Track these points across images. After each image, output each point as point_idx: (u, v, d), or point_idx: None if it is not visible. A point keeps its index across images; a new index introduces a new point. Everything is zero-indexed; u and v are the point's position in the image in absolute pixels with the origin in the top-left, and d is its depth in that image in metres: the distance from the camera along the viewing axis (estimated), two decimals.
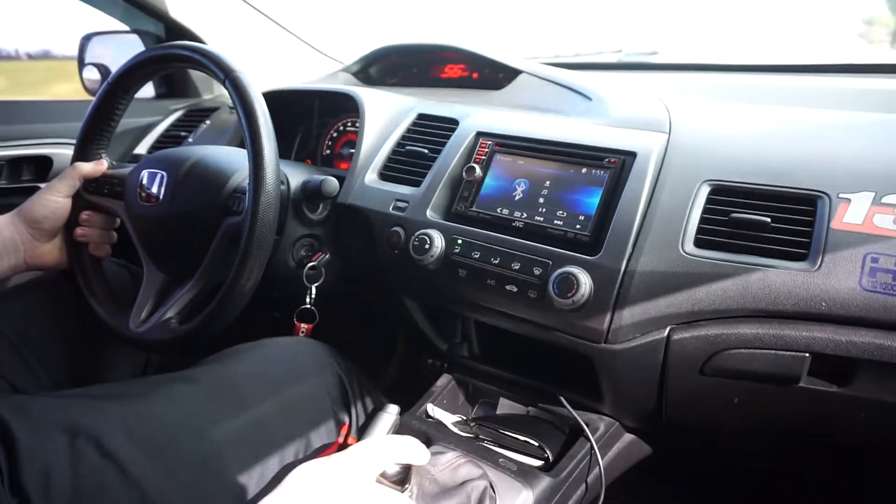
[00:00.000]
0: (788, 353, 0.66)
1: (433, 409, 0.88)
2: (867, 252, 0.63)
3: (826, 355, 0.65)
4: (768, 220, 0.68)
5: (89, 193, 0.91)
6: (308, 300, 0.94)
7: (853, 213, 0.65)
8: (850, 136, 0.78)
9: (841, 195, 0.66)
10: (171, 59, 0.85)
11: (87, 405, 0.68)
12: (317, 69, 1.50)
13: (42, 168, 1.22)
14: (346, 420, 0.79)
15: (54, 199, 0.87)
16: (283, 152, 1.21)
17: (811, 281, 0.64)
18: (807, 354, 0.65)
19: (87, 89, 1.37)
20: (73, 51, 1.40)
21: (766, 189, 0.70)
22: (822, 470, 0.95)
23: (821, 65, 1.17)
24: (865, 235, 0.63)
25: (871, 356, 0.63)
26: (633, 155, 0.77)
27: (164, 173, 0.85)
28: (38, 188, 0.94)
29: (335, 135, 1.20)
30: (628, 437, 0.87)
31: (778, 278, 0.65)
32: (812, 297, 0.64)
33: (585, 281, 0.71)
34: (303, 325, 0.95)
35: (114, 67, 0.90)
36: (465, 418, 0.89)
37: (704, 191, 0.73)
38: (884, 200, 0.64)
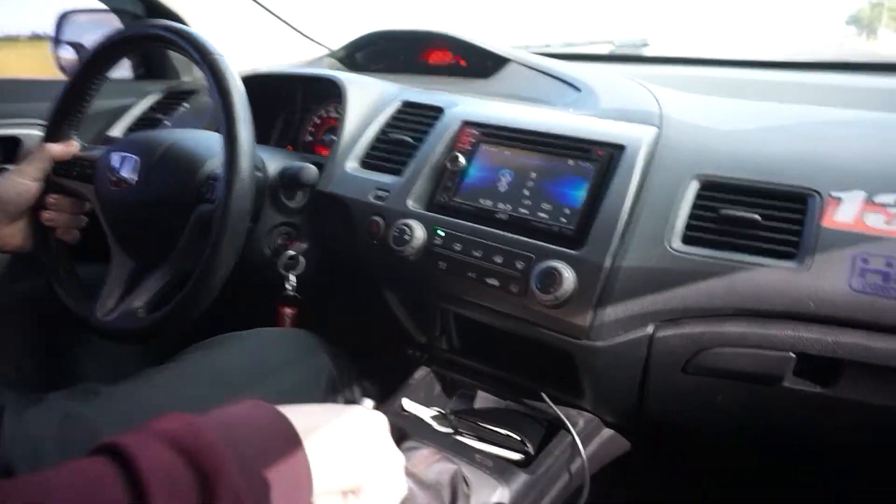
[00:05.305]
0: (773, 352, 0.65)
1: (409, 403, 0.86)
2: (857, 252, 0.61)
3: (812, 356, 0.63)
4: (758, 217, 0.66)
5: (58, 176, 0.87)
6: (289, 288, 0.92)
7: (844, 211, 0.63)
8: (843, 134, 0.76)
9: (832, 193, 0.65)
10: (147, 39, 0.82)
11: (72, 394, 0.67)
12: (301, 54, 1.47)
13: (9, 149, 1.18)
14: None
15: (22, 182, 0.84)
16: (263, 138, 1.18)
17: (800, 280, 0.62)
18: (792, 354, 0.64)
19: (62, 69, 1.33)
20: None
21: (756, 185, 0.69)
22: (805, 470, 0.94)
23: (815, 62, 1.16)
24: (856, 235, 0.62)
25: (858, 357, 0.61)
26: (621, 148, 0.75)
27: (137, 157, 0.82)
28: (6, 170, 0.90)
29: (317, 121, 1.17)
30: (608, 432, 0.85)
31: (766, 277, 0.64)
32: (800, 297, 0.62)
33: (569, 276, 0.69)
34: (287, 309, 0.93)
35: (90, 46, 0.87)
36: (442, 412, 0.87)
37: (694, 186, 0.71)
38: (876, 199, 0.63)
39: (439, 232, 0.79)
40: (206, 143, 0.85)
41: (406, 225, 0.79)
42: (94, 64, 0.86)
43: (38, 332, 0.89)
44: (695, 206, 0.70)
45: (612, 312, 0.69)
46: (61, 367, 0.91)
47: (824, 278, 0.61)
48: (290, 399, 0.72)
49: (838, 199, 0.64)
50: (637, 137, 0.76)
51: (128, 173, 0.81)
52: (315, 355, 0.81)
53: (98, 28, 1.31)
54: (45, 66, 1.35)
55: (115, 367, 0.99)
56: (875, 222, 0.62)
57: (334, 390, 0.80)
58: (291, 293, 0.92)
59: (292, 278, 0.91)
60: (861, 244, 0.61)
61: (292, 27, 1.50)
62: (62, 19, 1.36)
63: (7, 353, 0.85)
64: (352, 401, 0.82)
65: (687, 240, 0.68)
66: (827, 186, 0.65)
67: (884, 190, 0.63)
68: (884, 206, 0.62)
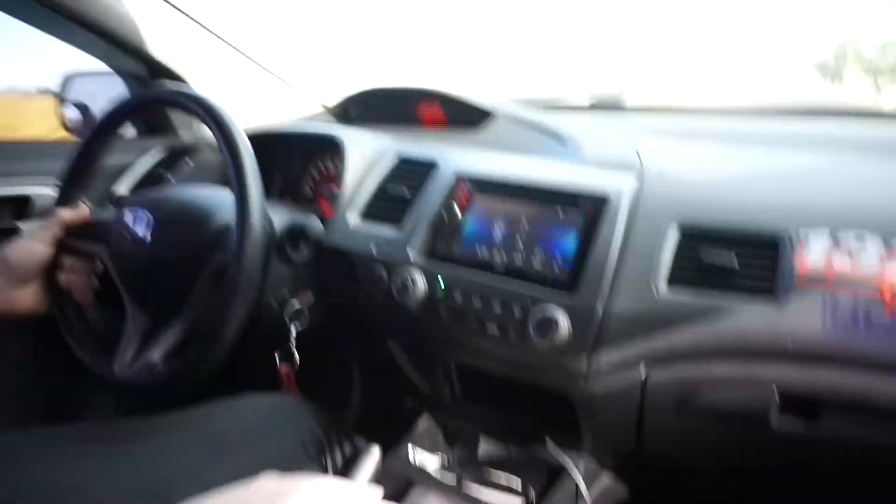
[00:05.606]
0: (758, 391, 0.68)
1: (414, 451, 0.89)
2: (828, 292, 0.65)
3: (793, 394, 0.67)
4: (735, 260, 0.71)
5: (70, 238, 0.90)
6: (291, 342, 0.95)
7: (814, 253, 0.68)
8: (811, 178, 0.81)
9: (802, 235, 0.69)
10: (157, 103, 0.87)
11: (68, 450, 0.69)
12: (297, 108, 1.52)
13: (21, 208, 1.21)
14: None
15: (35, 247, 0.86)
16: (265, 193, 1.23)
17: (777, 320, 0.66)
18: (775, 392, 0.67)
19: (67, 129, 1.37)
20: None
21: (731, 230, 0.73)
22: None
23: (785, 110, 1.23)
24: (826, 276, 0.66)
25: (836, 395, 0.65)
26: (606, 197, 0.80)
27: (150, 215, 0.85)
28: (17, 229, 0.93)
29: (316, 175, 1.21)
30: (609, 476, 0.88)
31: (747, 318, 0.68)
32: (779, 336, 0.66)
33: (564, 321, 0.73)
34: (284, 369, 0.96)
35: (95, 106, 0.91)
36: (447, 461, 0.90)
37: (675, 232, 0.75)
38: (841, 240, 0.67)
39: (440, 282, 0.83)
40: (215, 198, 0.89)
41: (409, 275, 0.83)
42: (108, 126, 0.90)
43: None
44: (677, 252, 0.74)
45: (605, 356, 0.73)
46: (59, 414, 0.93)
47: (800, 318, 0.66)
48: (279, 465, 0.75)
49: (808, 241, 0.69)
50: (619, 188, 0.81)
51: (142, 231, 0.85)
52: (304, 420, 0.83)
53: (103, 89, 1.36)
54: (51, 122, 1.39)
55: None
56: (842, 264, 0.66)
57: (323, 453, 0.82)
58: (291, 349, 0.95)
59: (293, 331, 0.94)
60: (831, 285, 0.66)
61: (287, 83, 1.56)
62: (67, 80, 1.41)
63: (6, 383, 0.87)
64: (341, 458, 0.84)
65: (672, 283, 0.73)
66: (797, 229, 0.70)
67: (851, 232, 0.68)
68: (849, 248, 0.67)
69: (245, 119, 1.35)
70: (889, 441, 0.66)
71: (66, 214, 0.89)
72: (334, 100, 1.44)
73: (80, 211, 0.90)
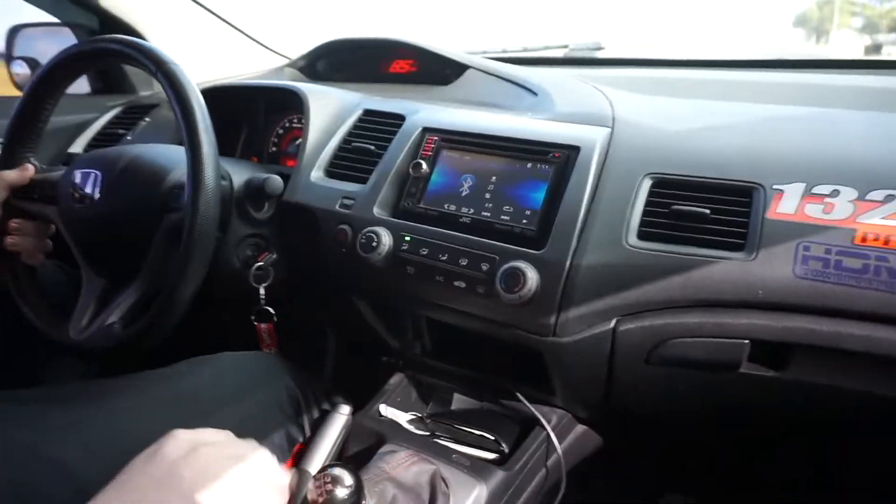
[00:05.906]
0: (729, 340, 0.68)
1: (386, 409, 0.88)
2: (800, 241, 0.65)
3: (764, 341, 0.67)
4: (708, 211, 0.70)
5: (18, 200, 0.86)
6: (261, 301, 0.92)
7: (786, 203, 0.67)
8: (785, 130, 0.80)
9: (775, 186, 0.68)
10: (101, 54, 0.82)
11: (28, 409, 0.66)
12: (261, 64, 1.47)
13: None
14: (300, 437, 0.78)
15: None
16: (228, 150, 1.19)
17: (749, 270, 0.66)
18: (746, 341, 0.67)
19: (16, 85, 1.30)
20: None
21: (704, 181, 0.72)
22: (768, 454, 0.99)
23: (758, 60, 1.21)
24: (798, 225, 0.65)
25: (805, 341, 0.65)
26: (576, 149, 0.78)
27: (99, 172, 0.81)
28: None
29: (281, 132, 1.17)
30: (581, 427, 0.88)
31: (718, 268, 0.67)
32: (750, 286, 0.66)
33: (532, 275, 0.71)
34: (262, 325, 0.93)
35: (44, 61, 0.86)
36: (419, 416, 0.89)
37: (647, 184, 0.74)
38: (814, 191, 0.67)
39: (406, 238, 0.81)
40: (169, 154, 0.85)
41: (373, 232, 0.81)
42: (46, 82, 0.85)
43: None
44: (648, 203, 0.73)
45: (575, 309, 0.71)
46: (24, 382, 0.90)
47: (771, 267, 0.65)
48: (253, 424, 0.73)
49: (781, 192, 0.68)
50: (591, 138, 0.79)
51: (91, 189, 0.81)
52: (279, 378, 0.81)
53: (52, 42, 1.29)
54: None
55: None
56: (814, 212, 0.65)
57: (299, 411, 0.80)
58: (265, 307, 0.92)
59: (262, 290, 0.92)
60: (802, 233, 0.65)
61: (251, 38, 1.50)
62: (13, 33, 1.33)
63: None
64: (324, 413, 0.83)
65: (642, 235, 0.71)
66: (770, 180, 0.69)
67: (822, 181, 0.67)
68: (822, 196, 0.66)
69: (206, 74, 1.30)
70: (852, 384, 0.67)
71: (9, 175, 0.84)
72: (298, 53, 1.38)
73: (23, 171, 0.85)
